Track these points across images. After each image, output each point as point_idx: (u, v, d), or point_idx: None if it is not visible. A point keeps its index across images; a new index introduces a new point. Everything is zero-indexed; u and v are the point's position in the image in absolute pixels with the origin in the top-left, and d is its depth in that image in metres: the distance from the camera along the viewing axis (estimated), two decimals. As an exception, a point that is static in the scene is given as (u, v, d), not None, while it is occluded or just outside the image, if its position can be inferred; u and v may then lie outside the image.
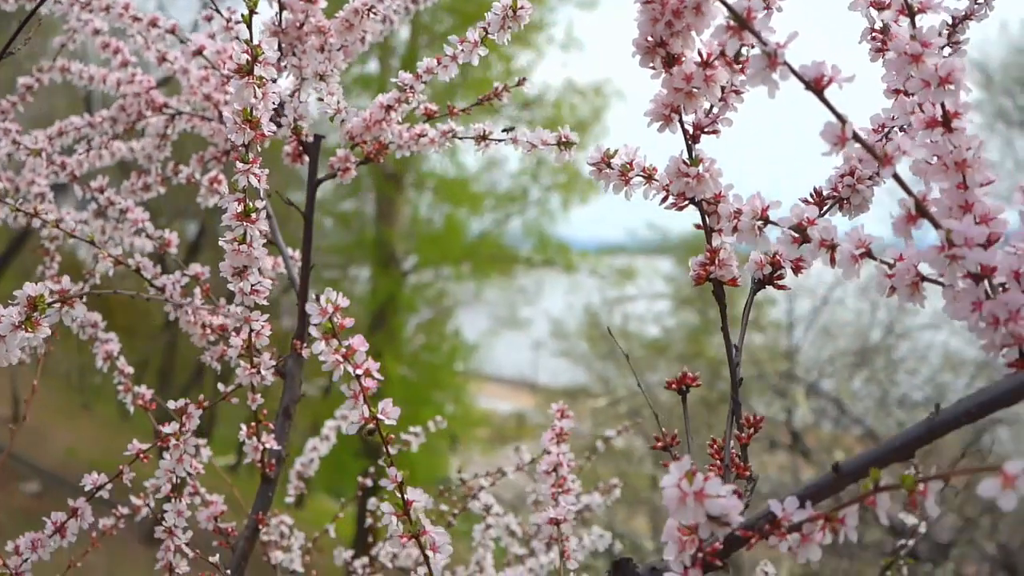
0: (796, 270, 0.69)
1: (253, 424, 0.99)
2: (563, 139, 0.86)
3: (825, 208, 0.71)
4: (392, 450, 0.66)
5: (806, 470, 6.51)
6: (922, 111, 0.57)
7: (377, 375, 0.64)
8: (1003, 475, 0.42)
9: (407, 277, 11.45)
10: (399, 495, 0.67)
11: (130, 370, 1.13)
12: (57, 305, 0.69)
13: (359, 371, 0.64)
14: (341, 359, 0.64)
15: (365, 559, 1.36)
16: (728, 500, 0.52)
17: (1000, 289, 0.53)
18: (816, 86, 0.52)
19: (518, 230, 11.88)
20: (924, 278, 0.56)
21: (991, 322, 0.52)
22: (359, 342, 0.64)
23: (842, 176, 0.70)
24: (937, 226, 0.53)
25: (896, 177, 0.53)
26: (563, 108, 10.60)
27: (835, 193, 0.71)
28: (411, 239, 11.62)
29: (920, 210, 0.53)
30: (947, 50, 0.74)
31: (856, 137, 0.52)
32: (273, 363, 0.93)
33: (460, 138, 1.01)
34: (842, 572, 6.12)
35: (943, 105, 0.55)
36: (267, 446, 1.00)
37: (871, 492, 0.49)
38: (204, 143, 1.24)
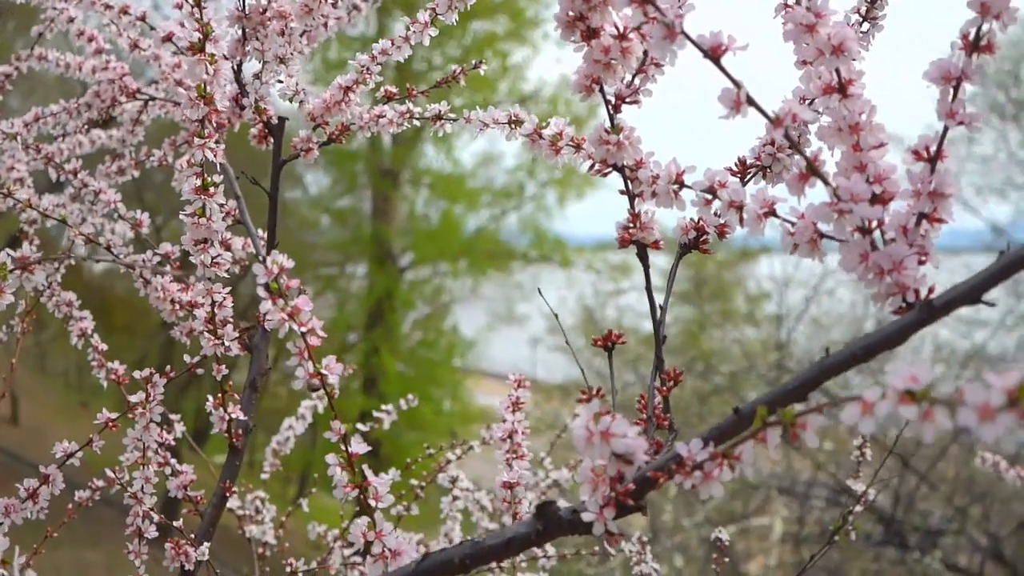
0: (721, 235, 0.73)
1: (220, 395, 1.03)
2: (513, 118, 0.89)
3: (749, 176, 0.75)
4: (332, 404, 0.70)
5: (796, 460, 6.56)
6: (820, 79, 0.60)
7: (321, 333, 0.68)
8: (862, 402, 0.46)
9: (404, 273, 11.49)
10: (343, 447, 0.70)
11: (104, 347, 1.17)
12: (17, 272, 0.73)
13: (304, 329, 0.68)
14: (287, 317, 0.67)
15: (336, 530, 1.40)
16: (633, 440, 0.56)
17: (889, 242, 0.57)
18: (713, 54, 0.56)
19: (514, 226, 11.93)
20: (822, 234, 0.60)
21: (877, 272, 0.56)
22: (303, 302, 0.68)
23: (764, 145, 0.74)
24: (827, 183, 0.57)
25: (788, 137, 0.57)
26: (559, 104, 10.65)
27: (757, 162, 0.74)
28: (408, 236, 11.66)
29: (811, 169, 0.57)
30: (866, 25, 0.78)
31: (750, 101, 0.56)
32: (236, 334, 0.97)
33: (417, 118, 1.04)
34: (833, 564, 6.17)
35: (838, 72, 0.59)
36: (233, 416, 1.04)
37: (761, 428, 0.53)
38: (177, 129, 1.28)
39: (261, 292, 0.68)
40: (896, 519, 5.93)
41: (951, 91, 0.57)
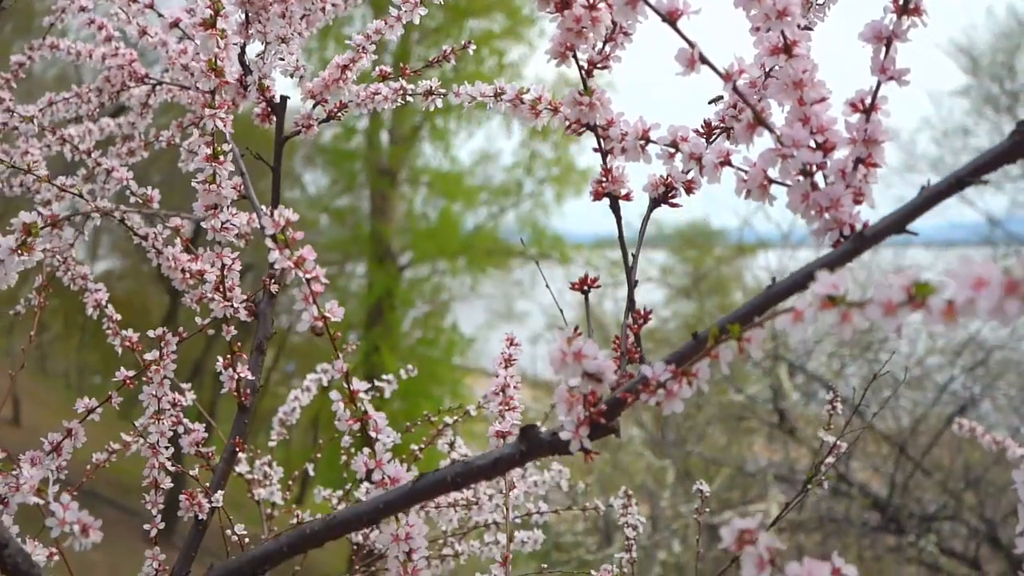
0: (688, 190, 0.80)
1: (229, 356, 1.10)
2: (498, 91, 0.96)
3: (714, 136, 0.82)
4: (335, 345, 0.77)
5: (793, 450, 6.63)
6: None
7: (324, 280, 0.75)
8: (794, 312, 0.53)
9: (403, 272, 11.54)
10: (346, 385, 0.78)
11: (118, 317, 1.24)
12: (48, 228, 0.80)
13: (309, 276, 0.75)
14: (293, 265, 0.75)
15: (340, 491, 1.47)
16: (602, 361, 0.63)
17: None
18: (671, 18, 0.63)
19: (513, 223, 11.99)
20: (771, 180, 0.67)
21: (817, 210, 0.64)
22: (308, 251, 0.75)
23: (727, 108, 0.81)
24: (772, 131, 0.64)
25: (736, 91, 0.64)
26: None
27: (722, 124, 0.81)
28: (406, 234, 11.72)
29: (758, 119, 0.64)
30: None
31: (703, 59, 0.63)
32: (244, 298, 1.04)
33: (410, 95, 1.12)
34: (829, 549, 6.24)
35: (783, 34, 0.66)
36: (242, 376, 1.11)
37: (714, 345, 0.60)
38: (183, 112, 1.35)
39: (269, 243, 0.75)
40: (892, 505, 6.01)
41: (883, 49, 0.64)
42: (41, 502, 0.76)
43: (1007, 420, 6.72)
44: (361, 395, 0.78)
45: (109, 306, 1.25)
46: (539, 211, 11.78)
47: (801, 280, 0.62)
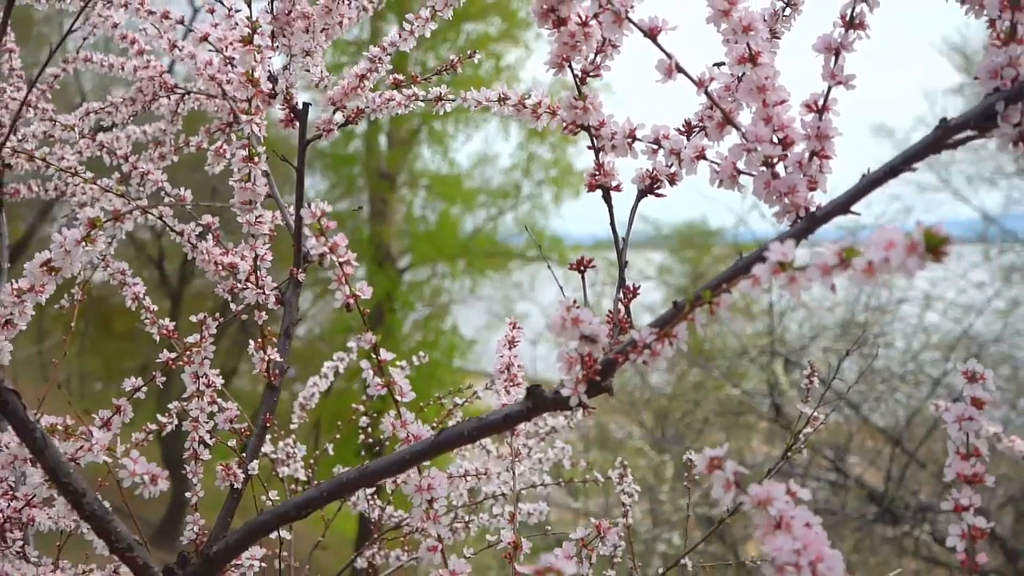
0: (671, 182, 0.91)
1: (260, 339, 1.21)
2: (502, 96, 1.08)
3: (693, 134, 0.93)
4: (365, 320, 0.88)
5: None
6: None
7: (354, 263, 0.87)
8: (752, 277, 0.64)
9: (403, 275, 11.65)
10: (374, 356, 0.89)
11: (155, 308, 1.36)
12: (111, 222, 0.91)
13: (342, 259, 0.86)
14: (328, 250, 0.86)
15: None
16: (596, 325, 0.74)
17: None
18: (652, 34, 0.75)
19: (511, 225, 12.10)
20: (739, 171, 0.79)
21: (777, 195, 0.75)
22: (341, 239, 0.87)
23: (704, 110, 0.92)
24: (738, 129, 0.75)
25: (707, 95, 0.75)
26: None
27: (700, 123, 0.93)
28: (406, 237, 11.83)
29: (727, 119, 0.75)
30: (788, 10, 0.97)
31: (679, 68, 0.74)
32: (274, 286, 1.16)
33: (422, 100, 1.23)
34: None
35: (749, 46, 0.78)
36: (272, 358, 1.22)
37: (690, 309, 0.71)
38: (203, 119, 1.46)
39: (307, 231, 0.86)
40: (888, 497, 6.12)
41: (833, 58, 0.76)
42: (110, 460, 0.87)
43: (1003, 414, 6.83)
44: (387, 364, 0.89)
45: (147, 298, 1.36)
46: (538, 212, 11.89)
47: (760, 254, 0.73)
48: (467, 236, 12.07)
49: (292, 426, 1.65)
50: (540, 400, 0.81)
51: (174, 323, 1.20)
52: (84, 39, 1.58)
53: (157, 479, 0.79)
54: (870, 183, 0.70)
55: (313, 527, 1.84)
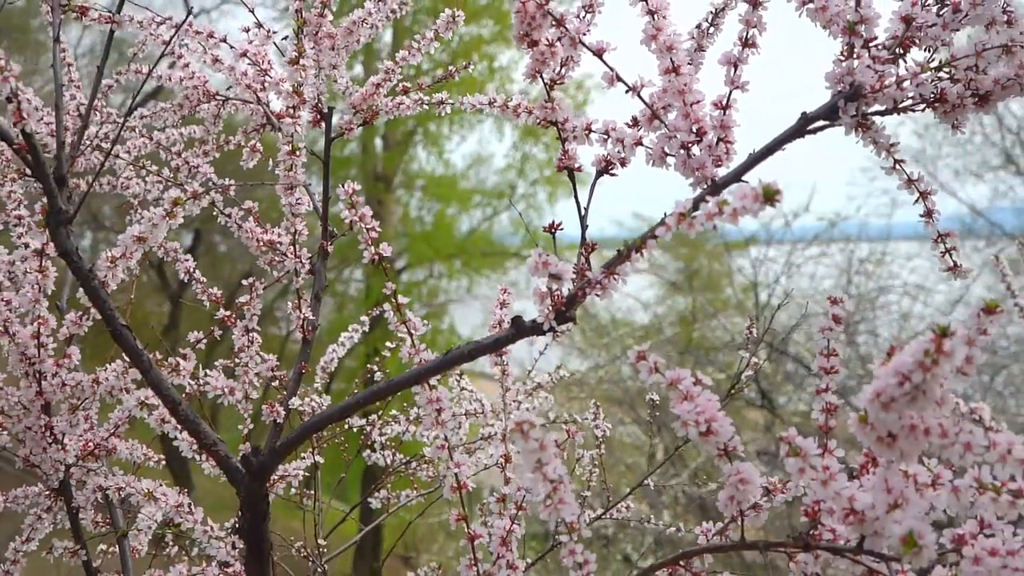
0: (622, 164, 1.19)
1: (296, 300, 1.48)
2: (492, 100, 1.35)
3: (638, 126, 1.20)
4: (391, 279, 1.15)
5: (779, 426, 7.02)
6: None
7: (377, 228, 1.14)
8: (665, 225, 0.91)
9: (400, 276, 11.91)
10: (394, 300, 1.16)
11: (204, 280, 1.63)
12: (191, 200, 1.18)
13: (368, 226, 1.13)
14: (358, 219, 1.13)
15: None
16: (562, 265, 1.01)
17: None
18: (598, 53, 1.02)
19: (507, 224, 12.36)
20: (666, 153, 1.06)
21: (692, 171, 1.02)
22: (367, 210, 1.14)
23: (643, 109, 1.19)
24: (662, 122, 1.03)
25: (640, 97, 1.02)
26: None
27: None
28: (402, 238, 12.09)
29: (654, 115, 1.03)
30: (711, 29, 1.24)
31: (618, 78, 1.02)
32: (309, 255, 1.43)
33: (427, 104, 1.50)
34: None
35: (671, 60, 1.05)
36: (306, 316, 1.49)
37: (628, 253, 0.98)
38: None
39: (341, 204, 1.13)
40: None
41: (732, 69, 1.03)
42: (193, 384, 1.14)
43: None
44: (404, 307, 1.17)
45: (196, 271, 1.63)
46: (533, 212, 12.15)
47: (705, 195, 1.00)
48: (463, 236, 12.32)
49: (316, 385, 1.93)
50: (522, 327, 1.08)
51: (253, 278, 1.46)
52: (135, 54, 1.85)
53: (234, 391, 1.06)
54: (753, 160, 0.97)
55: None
